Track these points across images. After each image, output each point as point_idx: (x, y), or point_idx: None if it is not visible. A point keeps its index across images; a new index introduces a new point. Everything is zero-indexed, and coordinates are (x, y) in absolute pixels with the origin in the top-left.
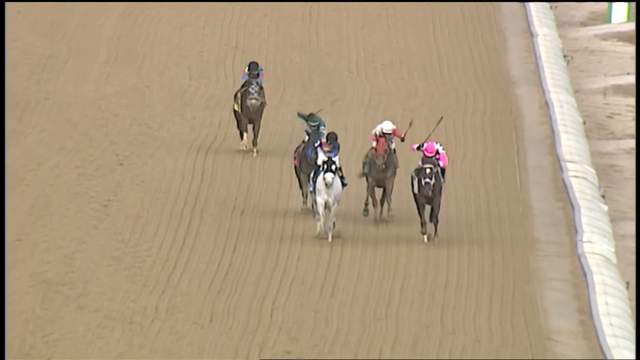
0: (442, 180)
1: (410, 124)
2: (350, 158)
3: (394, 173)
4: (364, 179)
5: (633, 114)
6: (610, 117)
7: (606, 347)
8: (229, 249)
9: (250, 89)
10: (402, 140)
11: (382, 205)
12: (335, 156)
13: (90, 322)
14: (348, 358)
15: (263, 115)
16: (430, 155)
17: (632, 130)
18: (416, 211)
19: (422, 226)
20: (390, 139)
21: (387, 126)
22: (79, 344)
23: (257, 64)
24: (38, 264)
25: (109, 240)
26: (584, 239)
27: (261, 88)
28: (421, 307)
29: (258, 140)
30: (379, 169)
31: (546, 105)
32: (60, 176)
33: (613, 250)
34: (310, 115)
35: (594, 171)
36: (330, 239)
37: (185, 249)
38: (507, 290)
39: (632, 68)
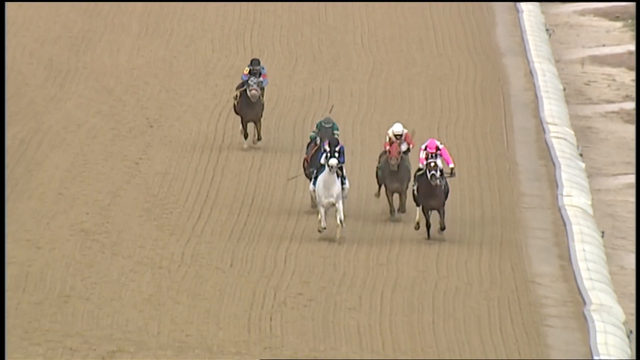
0: (451, 177)
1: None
2: (356, 121)
3: (408, 176)
4: (380, 183)
5: (608, 82)
6: (587, 85)
7: (583, 289)
8: (247, 201)
9: (250, 82)
10: (409, 148)
11: (397, 208)
12: (342, 162)
13: (123, 267)
14: (354, 298)
15: (263, 115)
16: (432, 151)
17: (607, 96)
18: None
19: (427, 230)
20: (401, 141)
21: (397, 128)
22: (113, 287)
23: (258, 60)
24: (77, 215)
25: (140, 194)
26: (564, 193)
27: (262, 88)
28: (418, 254)
29: (261, 134)
30: (392, 170)
31: (530, 73)
32: (96, 137)
33: (590, 203)
34: (325, 118)
35: (572, 132)
36: (338, 236)
37: (208, 202)
38: (495, 239)
39: (607, 40)
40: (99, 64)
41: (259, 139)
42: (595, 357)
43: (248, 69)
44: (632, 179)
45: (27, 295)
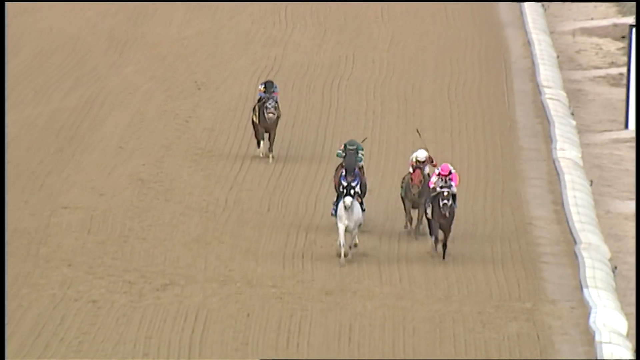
0: (454, 205)
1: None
2: (377, 84)
3: (427, 197)
4: (401, 201)
5: (595, 50)
6: (577, 53)
7: (574, 231)
8: (282, 154)
9: (267, 104)
10: (434, 166)
11: (417, 222)
12: (356, 184)
13: (175, 211)
14: (374, 240)
15: (278, 126)
16: (445, 174)
17: (595, 62)
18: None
19: (435, 244)
20: (424, 166)
21: (421, 155)
22: (166, 228)
23: (272, 82)
24: (135, 166)
25: (190, 148)
26: (557, 147)
27: (277, 103)
28: None
29: (273, 147)
30: (414, 196)
31: (528, 43)
32: (151, 98)
33: (580, 155)
34: (350, 141)
35: (565, 94)
36: (343, 257)
37: (249, 154)
38: (497, 187)
39: (595, 14)
40: (154, 34)
41: (271, 150)
42: (584, 290)
43: (263, 87)
44: (617, 135)
45: (92, 236)
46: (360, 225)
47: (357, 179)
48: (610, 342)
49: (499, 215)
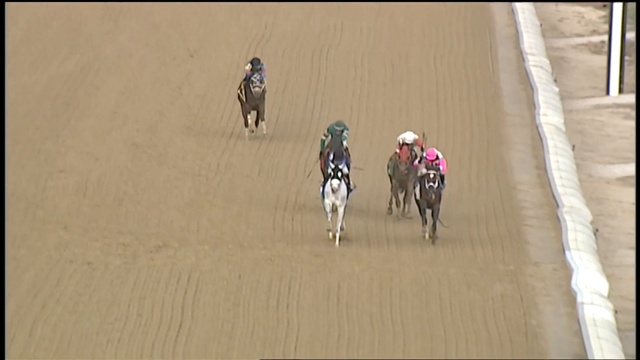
0: (442, 186)
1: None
2: (365, 52)
3: (415, 177)
4: (388, 180)
5: (578, 19)
6: (560, 21)
7: (557, 194)
8: (272, 121)
9: (253, 78)
10: (422, 150)
11: (404, 204)
12: (343, 165)
13: (168, 175)
14: (363, 203)
15: (266, 100)
16: (431, 159)
17: (577, 30)
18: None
19: (423, 225)
20: (412, 147)
21: (409, 137)
22: (160, 192)
23: (258, 59)
24: (130, 131)
25: (183, 114)
26: (541, 113)
27: (262, 77)
28: None
29: (265, 117)
30: (402, 174)
31: (512, 12)
32: (145, 65)
33: (562, 121)
34: (337, 122)
35: (548, 61)
36: (337, 242)
37: (240, 121)
38: (482, 152)
39: None
40: (148, 3)
41: (263, 119)
42: (566, 252)
43: (250, 67)
44: (598, 101)
45: (87, 199)
46: (346, 206)
47: (344, 161)
48: (591, 303)
49: (484, 180)
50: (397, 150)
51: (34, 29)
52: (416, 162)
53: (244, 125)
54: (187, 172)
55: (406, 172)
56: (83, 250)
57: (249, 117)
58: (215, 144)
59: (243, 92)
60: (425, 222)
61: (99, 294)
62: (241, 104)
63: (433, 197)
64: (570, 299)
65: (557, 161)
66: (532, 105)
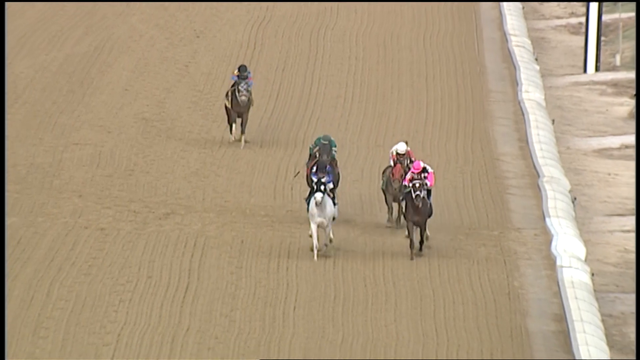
0: (429, 201)
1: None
2: (359, 33)
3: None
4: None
5: (558, 2)
6: (541, 4)
7: (538, 165)
8: (273, 96)
9: (240, 87)
10: (412, 161)
11: (399, 214)
12: (329, 181)
13: (175, 147)
14: (357, 172)
15: (250, 111)
16: (416, 171)
17: (557, 13)
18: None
19: (410, 245)
20: (405, 159)
21: (401, 147)
22: (167, 162)
23: (245, 66)
24: (139, 107)
25: (189, 90)
26: (523, 89)
27: (249, 87)
28: (407, 137)
29: (245, 130)
30: (395, 191)
31: None
32: (154, 45)
33: (543, 97)
34: (324, 136)
35: (529, 42)
36: (323, 250)
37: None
38: (468, 126)
39: None
40: None
41: (243, 132)
42: (546, 219)
43: (237, 72)
44: (576, 78)
45: (100, 170)
46: (334, 218)
47: (330, 175)
48: (570, 266)
49: (470, 152)
50: (392, 164)
51: (50, 11)
52: (406, 179)
53: (229, 132)
54: (193, 144)
55: (398, 190)
56: (97, 217)
57: (234, 126)
58: (219, 118)
59: (229, 98)
60: (412, 244)
61: (111, 257)
62: (227, 111)
63: (420, 204)
64: (550, 262)
65: (538, 134)
66: (514, 82)
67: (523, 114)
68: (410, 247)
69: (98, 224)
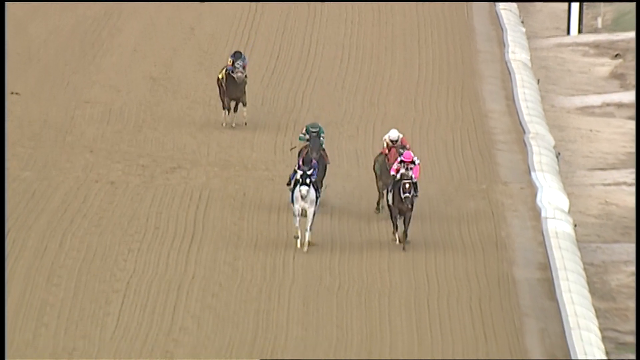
0: (415, 194)
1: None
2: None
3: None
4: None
5: None
6: None
7: (524, 122)
8: (274, 54)
9: (235, 65)
10: (404, 149)
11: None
12: (312, 173)
13: (181, 105)
14: (352, 129)
15: (246, 92)
16: (407, 161)
17: None
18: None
19: (393, 232)
20: (399, 146)
21: (394, 134)
22: (174, 119)
23: (241, 52)
24: (147, 67)
25: (195, 51)
26: (509, 50)
27: (244, 65)
28: (399, 105)
29: (246, 109)
30: (389, 177)
31: None
32: (161, 10)
33: (529, 58)
34: (312, 123)
35: (516, 5)
36: (306, 247)
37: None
38: (458, 84)
39: None
40: None
41: (244, 104)
42: (532, 173)
43: (231, 60)
44: (560, 40)
45: (110, 126)
46: (315, 210)
47: (315, 168)
48: (554, 218)
49: (459, 109)
50: (386, 152)
51: None
52: (393, 168)
53: (223, 110)
54: (199, 102)
55: (395, 176)
56: (107, 171)
57: (227, 113)
58: None
59: (224, 81)
60: (396, 228)
61: (120, 209)
62: (220, 92)
63: (407, 207)
64: (535, 214)
65: (524, 93)
66: (502, 44)
67: (510, 74)
68: (394, 231)
69: (108, 177)
